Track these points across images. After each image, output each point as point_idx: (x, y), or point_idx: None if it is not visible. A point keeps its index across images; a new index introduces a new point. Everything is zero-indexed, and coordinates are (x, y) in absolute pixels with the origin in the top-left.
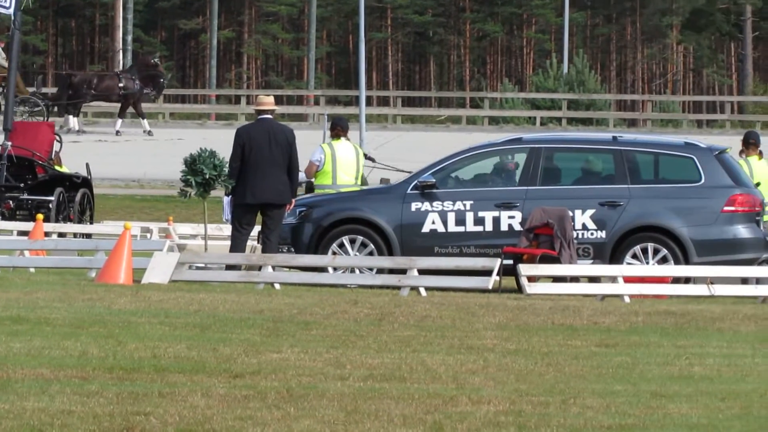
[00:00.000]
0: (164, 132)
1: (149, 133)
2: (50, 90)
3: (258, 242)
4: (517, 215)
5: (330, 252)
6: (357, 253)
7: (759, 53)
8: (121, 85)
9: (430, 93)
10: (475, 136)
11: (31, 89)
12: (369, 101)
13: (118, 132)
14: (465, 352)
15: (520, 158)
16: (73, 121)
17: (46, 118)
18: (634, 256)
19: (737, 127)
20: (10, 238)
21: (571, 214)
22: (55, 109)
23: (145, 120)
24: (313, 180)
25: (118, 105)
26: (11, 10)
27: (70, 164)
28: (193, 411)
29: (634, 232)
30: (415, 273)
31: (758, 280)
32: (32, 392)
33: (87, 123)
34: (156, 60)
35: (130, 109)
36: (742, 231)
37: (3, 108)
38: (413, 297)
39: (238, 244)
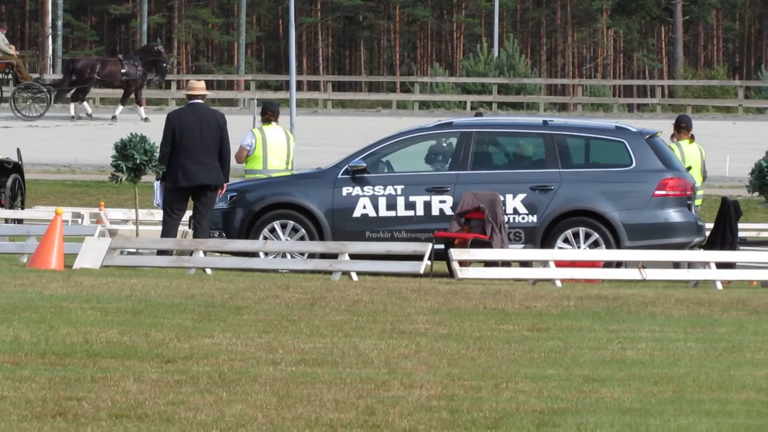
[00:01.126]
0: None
1: (146, 119)
2: (52, 77)
3: (189, 227)
4: (449, 200)
5: (261, 237)
6: (288, 238)
7: (689, 37)
8: (123, 70)
9: (360, 78)
10: (405, 121)
11: (34, 75)
12: (299, 86)
13: (113, 117)
14: (397, 337)
15: (452, 143)
16: (77, 108)
17: (48, 105)
18: (566, 241)
19: (668, 111)
20: None
21: (502, 198)
22: (55, 94)
23: (142, 107)
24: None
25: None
26: None
27: (1, 150)
28: (126, 396)
29: (566, 217)
30: (347, 258)
31: (690, 264)
32: None
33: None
34: (159, 47)
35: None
36: (674, 215)
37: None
38: (345, 282)
39: (169, 229)
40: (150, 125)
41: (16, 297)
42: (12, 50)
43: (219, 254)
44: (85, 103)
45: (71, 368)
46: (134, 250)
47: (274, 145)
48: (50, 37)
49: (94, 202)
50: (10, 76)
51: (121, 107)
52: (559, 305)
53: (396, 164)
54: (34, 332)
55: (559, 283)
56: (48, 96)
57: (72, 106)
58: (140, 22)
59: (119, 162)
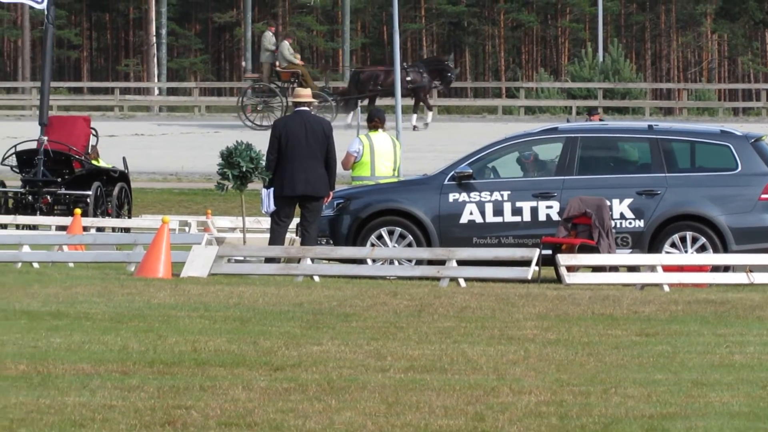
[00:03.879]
0: (201, 125)
1: (426, 125)
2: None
3: (297, 234)
4: (555, 205)
5: (368, 244)
6: (395, 245)
7: None
8: (408, 78)
9: (465, 83)
10: (511, 126)
11: (319, 84)
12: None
13: (415, 127)
14: (505, 343)
15: (557, 148)
16: (351, 117)
17: (335, 114)
18: (673, 245)
19: None
20: (48, 233)
21: (608, 203)
22: (342, 104)
23: (430, 113)
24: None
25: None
26: (44, 5)
27: (106, 159)
28: (234, 404)
29: (672, 221)
30: (454, 264)
31: None
32: (73, 387)
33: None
34: (449, 60)
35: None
36: None
37: (39, 103)
38: (452, 288)
39: (276, 236)
40: (257, 132)
41: (124, 306)
42: (297, 59)
43: (326, 261)
44: (352, 113)
45: (180, 377)
46: (242, 258)
47: (381, 152)
48: (154, 45)
49: (201, 211)
50: (295, 85)
51: (415, 116)
52: (667, 310)
53: (502, 170)
54: (142, 341)
55: (666, 288)
56: (334, 105)
57: (350, 115)
58: (244, 30)
59: (225, 170)
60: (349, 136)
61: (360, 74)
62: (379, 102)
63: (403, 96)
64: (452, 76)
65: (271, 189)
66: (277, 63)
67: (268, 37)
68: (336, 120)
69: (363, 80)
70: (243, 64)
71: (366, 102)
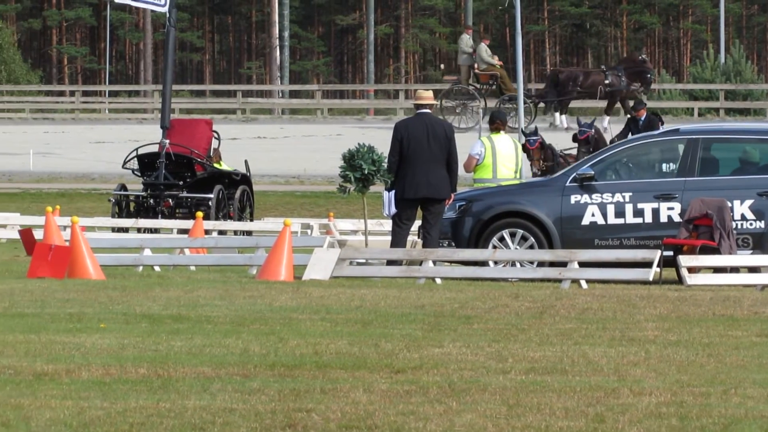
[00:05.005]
0: (323, 128)
1: (605, 129)
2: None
3: (418, 237)
4: (676, 206)
5: (490, 246)
6: (517, 247)
7: None
8: (606, 81)
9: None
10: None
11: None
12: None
13: (605, 129)
14: (626, 344)
15: (678, 149)
16: (559, 119)
17: (533, 116)
18: None
19: None
20: (170, 237)
21: (729, 204)
22: (541, 105)
23: (606, 118)
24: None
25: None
26: (166, 8)
27: (228, 162)
28: (355, 407)
29: None
30: (576, 266)
31: None
32: (193, 390)
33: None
34: (643, 56)
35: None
36: None
37: (161, 106)
38: (574, 290)
39: (398, 239)
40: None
41: (246, 309)
42: (495, 60)
43: (448, 264)
44: (563, 116)
45: (301, 380)
46: (363, 261)
47: (503, 154)
48: (277, 47)
49: (324, 213)
50: (493, 87)
51: (607, 118)
52: None
53: (623, 171)
54: (263, 344)
55: None
56: (533, 108)
57: (558, 116)
58: (367, 32)
59: (347, 172)
60: (472, 139)
61: (558, 75)
62: (579, 104)
63: (600, 98)
64: (651, 77)
65: (393, 191)
66: (476, 65)
67: (465, 40)
68: (533, 122)
69: (562, 81)
70: (441, 66)
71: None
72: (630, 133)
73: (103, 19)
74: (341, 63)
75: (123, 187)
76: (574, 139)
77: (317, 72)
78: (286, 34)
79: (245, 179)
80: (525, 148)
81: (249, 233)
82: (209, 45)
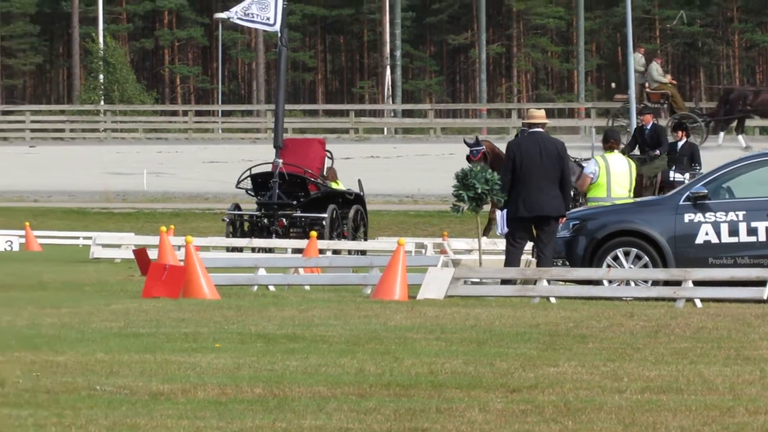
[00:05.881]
0: (435, 147)
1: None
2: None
3: (533, 256)
4: None
5: (605, 265)
6: (631, 266)
7: None
8: None
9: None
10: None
11: (689, 105)
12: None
13: (745, 147)
14: (741, 363)
15: None
16: (740, 139)
17: (705, 136)
18: None
19: None
20: (284, 256)
21: None
22: (712, 125)
23: (740, 136)
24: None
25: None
26: (277, 27)
27: (342, 181)
28: (471, 426)
29: None
30: (690, 284)
31: None
32: (309, 410)
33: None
34: None
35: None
36: None
37: (274, 126)
38: (689, 308)
39: (512, 258)
40: None
41: (361, 328)
42: (667, 79)
43: (563, 283)
44: (741, 135)
45: (416, 399)
46: (478, 280)
47: (617, 173)
48: (389, 67)
49: (438, 233)
50: (665, 106)
51: (741, 136)
52: None
53: (737, 190)
54: (378, 363)
55: None
56: (704, 127)
57: (722, 136)
58: (479, 52)
59: (460, 192)
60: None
61: (729, 94)
62: (749, 122)
63: (764, 116)
64: None
65: (505, 210)
66: (647, 84)
67: (637, 59)
68: (706, 141)
69: (732, 100)
70: (612, 85)
71: (734, 123)
72: (636, 143)
73: (215, 39)
74: (453, 82)
75: (237, 207)
76: (468, 160)
77: (429, 91)
78: (398, 53)
79: (359, 199)
80: (468, 159)
81: (363, 253)
82: (321, 65)
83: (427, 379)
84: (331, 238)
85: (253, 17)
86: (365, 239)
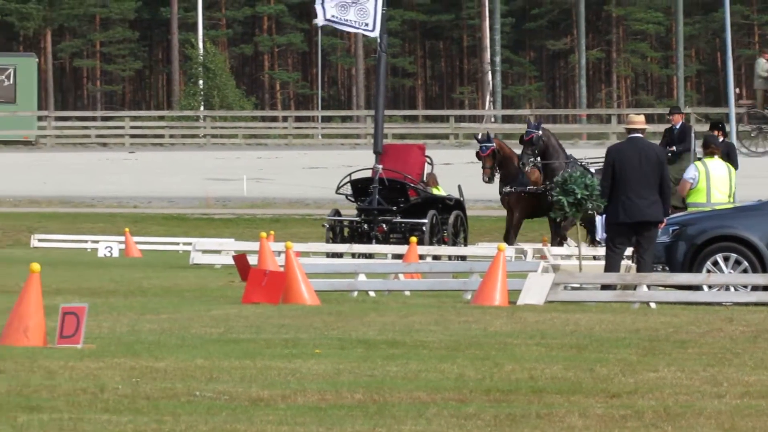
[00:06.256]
0: None
1: None
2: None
3: (632, 261)
4: None
5: (704, 270)
6: (731, 271)
7: None
8: None
9: None
10: None
11: None
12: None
13: None
14: None
15: None
16: None
17: None
18: None
19: None
20: (384, 262)
21: None
22: None
23: None
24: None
25: None
26: (376, 33)
27: (442, 187)
28: (571, 431)
29: None
30: None
31: None
32: (409, 416)
33: None
34: None
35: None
36: None
37: (374, 132)
38: None
39: (612, 263)
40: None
41: (461, 334)
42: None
43: (662, 288)
44: None
45: (516, 405)
46: (578, 286)
47: (717, 178)
48: (489, 72)
49: (537, 238)
50: None
51: None
52: None
53: None
54: (478, 369)
55: None
56: None
57: None
58: (578, 57)
59: (560, 197)
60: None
61: None
62: None
63: None
64: None
65: (604, 216)
66: None
67: (762, 64)
68: None
69: None
70: (736, 90)
71: None
72: (666, 143)
73: (314, 45)
74: (553, 88)
75: (337, 213)
76: (520, 140)
77: (529, 97)
78: (498, 59)
79: (459, 204)
80: (478, 156)
81: (463, 258)
82: (421, 70)
83: (527, 385)
84: (431, 243)
85: (351, 22)
86: (465, 245)
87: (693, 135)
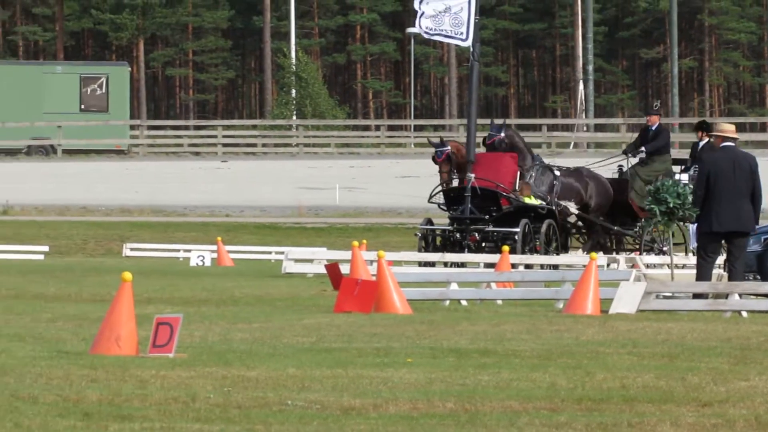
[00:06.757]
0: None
1: None
2: None
3: (724, 270)
4: None
5: None
6: None
7: None
8: None
9: None
10: None
11: None
12: None
13: None
14: None
15: None
16: None
17: None
18: None
19: None
20: (476, 271)
21: None
22: None
23: None
24: None
25: None
26: (469, 42)
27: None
28: None
29: None
30: None
31: None
32: (501, 425)
33: None
34: None
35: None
36: None
37: (466, 141)
38: None
39: (704, 272)
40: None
41: (553, 343)
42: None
43: (754, 297)
44: None
45: (608, 413)
46: (669, 294)
47: None
48: (581, 81)
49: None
50: None
51: None
52: None
53: None
54: (570, 378)
55: None
56: None
57: None
58: (671, 66)
59: (653, 206)
60: None
61: None
62: None
63: None
64: None
65: (696, 225)
66: None
67: None
68: None
69: None
70: None
71: None
72: (641, 143)
73: (407, 54)
74: (645, 96)
75: (429, 222)
76: (483, 143)
77: (622, 105)
78: (590, 67)
79: (551, 213)
80: (434, 160)
81: (555, 267)
82: (514, 79)
83: (619, 394)
84: (523, 252)
85: (446, 32)
86: (558, 254)
87: (669, 136)
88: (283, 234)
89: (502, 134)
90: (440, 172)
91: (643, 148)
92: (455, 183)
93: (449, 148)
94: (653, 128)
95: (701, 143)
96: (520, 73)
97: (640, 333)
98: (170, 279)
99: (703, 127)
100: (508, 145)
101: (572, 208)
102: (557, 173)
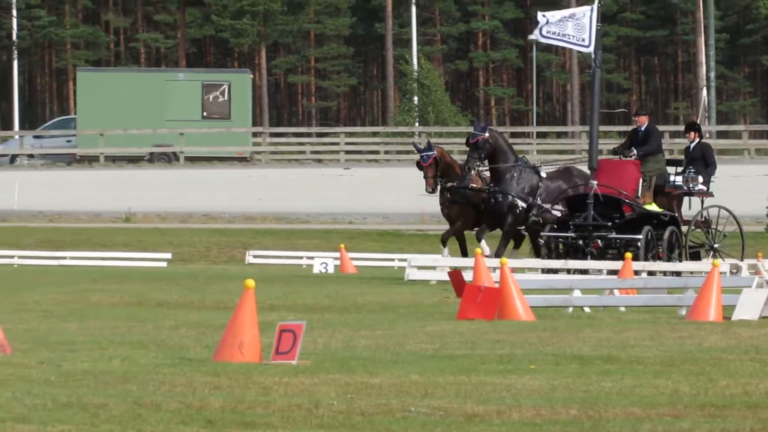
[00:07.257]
0: (750, 168)
1: None
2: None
3: None
4: None
5: None
6: None
7: None
8: None
9: None
10: None
11: None
12: None
13: None
14: None
15: None
16: None
17: None
18: None
19: None
20: (599, 278)
21: None
22: None
23: None
24: None
25: None
26: (591, 49)
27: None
28: None
29: None
30: None
31: None
32: (624, 431)
33: None
34: None
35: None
36: None
37: (588, 147)
38: None
39: None
40: None
41: (675, 349)
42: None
43: None
44: None
45: (731, 420)
46: None
47: None
48: (703, 88)
49: (752, 254)
50: None
51: None
52: None
53: None
54: (693, 384)
55: None
56: None
57: None
58: None
59: None
60: None
61: None
62: None
63: None
64: None
65: None
66: None
67: None
68: None
69: None
70: None
71: None
72: (630, 144)
73: (529, 61)
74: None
75: (552, 229)
76: (466, 143)
77: (744, 112)
78: (713, 74)
79: (674, 220)
80: (419, 165)
81: (678, 274)
82: (636, 86)
83: (742, 400)
84: (646, 259)
85: (569, 38)
86: (680, 260)
87: (660, 136)
88: (406, 241)
89: (486, 134)
90: (426, 177)
91: (633, 150)
92: (579, 190)
93: (435, 152)
94: (642, 129)
95: (692, 144)
96: (642, 80)
97: (762, 339)
98: (293, 286)
99: (694, 129)
100: (491, 145)
101: (555, 212)
102: (543, 175)
